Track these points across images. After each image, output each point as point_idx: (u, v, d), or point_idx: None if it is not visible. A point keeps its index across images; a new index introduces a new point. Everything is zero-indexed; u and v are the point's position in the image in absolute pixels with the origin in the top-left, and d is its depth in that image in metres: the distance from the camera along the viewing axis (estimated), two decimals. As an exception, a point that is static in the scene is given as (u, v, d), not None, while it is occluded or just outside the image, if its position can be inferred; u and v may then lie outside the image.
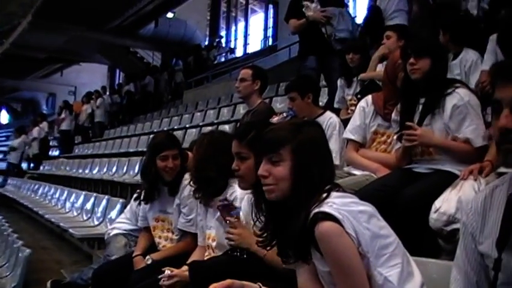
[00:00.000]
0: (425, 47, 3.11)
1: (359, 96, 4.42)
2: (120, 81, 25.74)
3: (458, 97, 2.99)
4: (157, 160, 3.53)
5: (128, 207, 4.31)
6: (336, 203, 1.81)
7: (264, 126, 2.35)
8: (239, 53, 23.66)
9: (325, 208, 1.79)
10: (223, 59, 22.17)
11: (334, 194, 1.89)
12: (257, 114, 4.59)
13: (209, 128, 9.11)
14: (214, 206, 3.04)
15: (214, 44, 22.51)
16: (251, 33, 24.18)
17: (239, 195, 2.97)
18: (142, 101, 18.49)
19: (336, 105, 5.30)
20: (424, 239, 2.82)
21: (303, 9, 5.72)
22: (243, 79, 4.71)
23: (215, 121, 9.86)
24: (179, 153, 3.60)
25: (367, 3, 6.64)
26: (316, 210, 1.80)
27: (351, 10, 15.29)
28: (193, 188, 3.24)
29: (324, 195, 1.86)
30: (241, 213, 2.83)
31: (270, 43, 20.64)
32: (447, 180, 2.87)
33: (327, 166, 1.99)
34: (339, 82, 5.32)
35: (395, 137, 3.27)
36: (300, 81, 4.42)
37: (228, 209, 2.82)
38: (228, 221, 2.79)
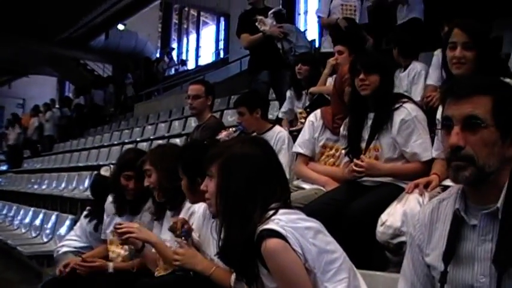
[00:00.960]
0: (375, 63, 3.15)
1: (308, 109, 4.46)
2: (70, 93, 25.32)
3: (405, 112, 3.04)
4: (121, 177, 3.48)
5: (78, 224, 4.22)
6: (282, 220, 1.82)
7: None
8: (191, 65, 23.61)
9: (271, 225, 1.79)
10: (173, 72, 22.04)
11: (281, 211, 1.89)
12: (207, 129, 4.58)
13: (160, 142, 9.06)
14: (168, 218, 3.04)
15: (165, 56, 22.37)
16: (203, 45, 24.17)
17: (197, 208, 2.95)
18: (91, 114, 18.21)
19: (280, 115, 5.34)
20: (372, 252, 2.86)
21: (256, 24, 5.76)
22: (197, 96, 4.72)
23: (166, 134, 9.80)
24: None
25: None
26: (262, 227, 1.80)
27: (301, 25, 15.49)
28: (152, 208, 3.23)
29: (271, 212, 1.86)
30: (195, 227, 2.81)
31: (222, 56, 20.63)
32: (394, 193, 2.91)
33: (269, 184, 1.97)
34: (288, 93, 5.37)
35: (343, 151, 3.31)
36: (249, 96, 4.44)
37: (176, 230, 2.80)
38: (176, 241, 2.77)
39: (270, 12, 5.79)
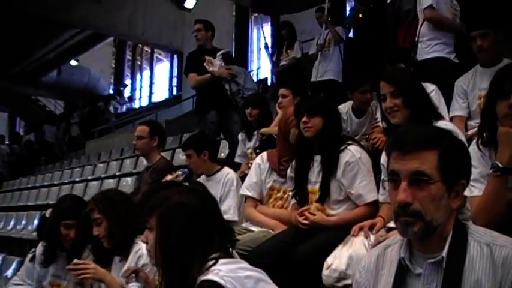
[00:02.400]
0: (317, 106, 3.20)
1: (258, 150, 4.48)
2: (21, 129, 24.83)
3: (350, 154, 3.10)
4: (61, 226, 3.38)
5: (24, 266, 4.09)
6: (221, 270, 1.80)
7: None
8: (144, 102, 23.48)
9: (210, 276, 1.77)
10: (124, 109, 21.85)
11: (221, 261, 1.88)
12: (156, 172, 4.55)
13: (111, 181, 8.93)
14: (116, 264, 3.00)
15: (114, 94, 22.14)
16: (156, 82, 24.09)
17: (145, 251, 2.90)
18: (41, 151, 17.86)
19: (236, 160, 5.33)
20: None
21: (204, 64, 5.79)
22: (141, 136, 4.68)
23: (117, 173, 9.65)
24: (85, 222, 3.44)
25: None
26: (202, 278, 1.79)
27: (254, 63, 15.66)
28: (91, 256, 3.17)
29: (210, 262, 1.85)
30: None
31: (175, 93, 20.58)
32: (340, 236, 2.93)
33: (207, 234, 1.94)
34: (240, 136, 5.37)
35: (290, 193, 3.33)
36: (196, 138, 4.44)
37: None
38: None
39: (218, 54, 5.83)
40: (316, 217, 3.05)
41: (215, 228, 2.00)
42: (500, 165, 2.15)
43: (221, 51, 5.91)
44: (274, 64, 8.15)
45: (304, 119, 3.15)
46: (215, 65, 5.77)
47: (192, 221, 1.92)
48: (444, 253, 1.61)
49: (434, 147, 1.61)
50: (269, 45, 8.19)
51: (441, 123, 2.83)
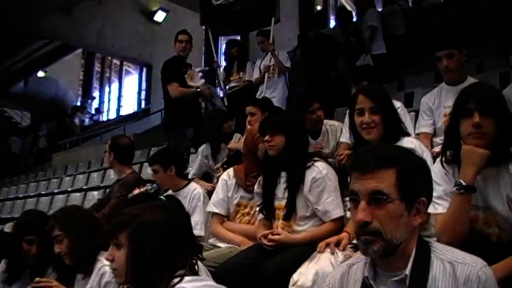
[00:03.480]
0: (280, 125, 3.21)
1: (225, 166, 4.47)
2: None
3: (316, 170, 3.11)
4: (23, 242, 3.31)
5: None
6: None
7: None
8: (112, 115, 23.24)
9: None
10: (87, 122, 21.58)
11: (186, 278, 1.86)
12: (125, 186, 4.50)
13: (77, 195, 8.82)
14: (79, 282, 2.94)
15: (79, 107, 21.86)
16: (125, 94, 23.89)
17: (108, 267, 2.86)
18: (6, 164, 17.53)
19: (191, 176, 5.28)
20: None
21: (186, 76, 5.81)
22: (105, 150, 4.70)
23: (84, 187, 9.53)
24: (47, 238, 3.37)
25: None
26: None
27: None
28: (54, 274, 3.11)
29: (176, 280, 1.83)
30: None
31: (143, 106, 20.43)
32: (307, 252, 2.93)
33: (178, 251, 1.93)
34: (203, 152, 5.34)
35: (257, 209, 3.33)
36: (163, 153, 4.42)
37: None
38: None
39: (198, 70, 5.87)
40: (281, 237, 3.05)
41: (183, 244, 1.99)
42: (464, 183, 2.19)
43: (201, 69, 5.95)
44: (222, 84, 7.78)
45: (267, 137, 3.17)
46: (196, 80, 5.80)
47: (163, 238, 1.91)
48: (407, 271, 1.63)
49: (391, 166, 1.63)
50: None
51: (407, 140, 2.88)
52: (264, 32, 7.17)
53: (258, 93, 6.81)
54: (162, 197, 3.10)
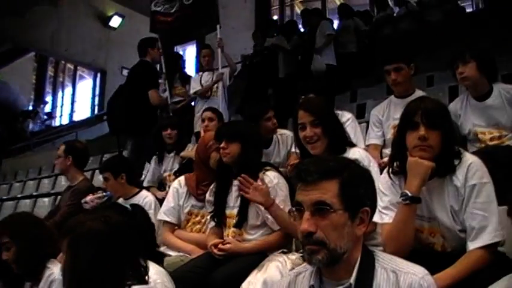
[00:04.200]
0: (235, 132, 3.22)
1: (177, 174, 4.45)
2: None
3: (268, 179, 3.12)
4: None
5: None
6: None
7: None
8: (65, 120, 22.79)
9: None
10: (38, 127, 21.09)
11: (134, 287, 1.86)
12: (76, 193, 4.44)
13: (27, 201, 8.61)
14: None
15: (32, 112, 21.34)
16: (78, 100, 23.48)
17: (57, 275, 2.80)
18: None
19: (145, 184, 5.24)
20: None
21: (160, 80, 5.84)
22: (58, 155, 4.62)
23: (34, 193, 9.32)
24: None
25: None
26: None
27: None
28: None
29: None
30: None
31: (97, 112, 20.09)
32: (256, 261, 2.94)
33: (119, 263, 1.91)
34: (153, 161, 5.31)
35: (209, 217, 3.33)
36: (113, 161, 4.38)
37: None
38: None
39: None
40: (230, 246, 3.05)
41: (128, 256, 1.97)
42: (409, 194, 2.24)
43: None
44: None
45: (222, 144, 3.18)
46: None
47: (101, 248, 1.88)
48: (352, 280, 1.66)
49: (334, 177, 1.67)
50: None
51: (354, 150, 2.93)
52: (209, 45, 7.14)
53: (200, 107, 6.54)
54: (127, 205, 3.07)
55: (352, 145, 3.05)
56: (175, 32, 6.96)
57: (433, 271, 2.13)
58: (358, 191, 1.69)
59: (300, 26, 9.69)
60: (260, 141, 3.41)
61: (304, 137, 2.93)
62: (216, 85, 6.65)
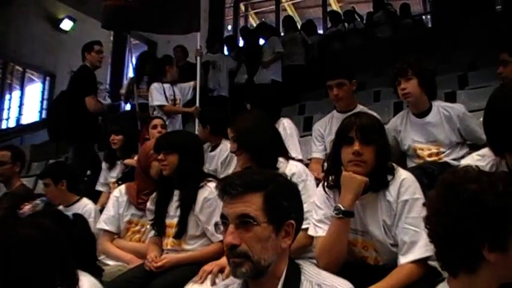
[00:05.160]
0: (173, 144, 3.21)
1: (120, 182, 4.41)
2: None
3: (209, 190, 3.12)
4: None
5: None
6: None
7: None
8: (11, 123, 22.19)
9: None
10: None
11: None
12: (13, 198, 4.35)
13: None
14: None
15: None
16: (26, 103, 22.91)
17: None
18: None
19: (98, 187, 5.23)
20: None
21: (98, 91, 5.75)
22: (3, 162, 4.51)
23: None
24: None
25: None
26: None
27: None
28: None
29: None
30: None
31: (44, 116, 19.66)
32: (192, 272, 2.92)
33: (49, 271, 1.87)
34: (104, 165, 5.29)
35: (149, 226, 3.31)
36: (54, 167, 4.31)
37: None
38: None
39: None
40: (166, 260, 3.03)
41: (59, 264, 1.93)
42: (342, 208, 2.27)
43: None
44: (127, 97, 7.47)
45: (160, 156, 3.17)
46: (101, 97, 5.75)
47: (29, 255, 1.84)
48: None
49: (259, 190, 1.68)
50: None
51: (292, 164, 2.97)
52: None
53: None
54: (68, 213, 3.02)
55: (286, 158, 3.05)
56: (140, 16, 6.57)
57: (365, 284, 2.19)
58: (283, 204, 1.70)
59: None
60: (198, 150, 3.38)
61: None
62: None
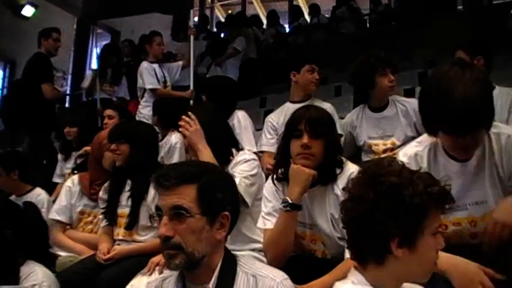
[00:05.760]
0: (123, 133, 3.19)
1: (75, 172, 4.34)
2: None
3: None
4: None
5: None
6: None
7: None
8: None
9: None
10: None
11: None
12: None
13: None
14: None
15: None
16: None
17: None
18: None
19: (55, 179, 5.16)
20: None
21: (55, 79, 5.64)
22: None
23: None
24: None
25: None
26: None
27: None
28: None
29: None
30: None
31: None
32: (142, 264, 2.88)
33: None
34: (59, 156, 5.22)
35: (101, 216, 3.28)
36: (6, 156, 4.22)
37: None
38: None
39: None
40: (114, 253, 3.01)
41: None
42: (290, 201, 2.29)
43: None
44: (89, 91, 7.15)
45: (113, 146, 3.15)
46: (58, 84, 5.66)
47: None
48: (211, 284, 1.69)
49: (192, 182, 1.68)
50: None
51: (241, 153, 2.94)
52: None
53: None
54: (19, 203, 2.97)
55: (239, 150, 3.03)
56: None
57: (313, 277, 2.20)
58: (217, 196, 1.71)
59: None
60: (152, 141, 3.34)
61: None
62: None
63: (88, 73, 6.86)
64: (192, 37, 6.33)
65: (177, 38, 7.71)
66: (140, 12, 7.40)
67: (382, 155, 3.68)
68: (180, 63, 6.40)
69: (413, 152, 2.21)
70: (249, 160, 2.82)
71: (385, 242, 1.44)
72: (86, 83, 7.15)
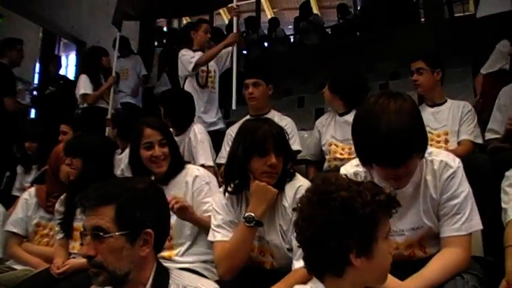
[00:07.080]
0: (77, 148, 3.18)
1: (35, 185, 4.32)
2: None
3: None
4: None
5: None
6: None
7: None
8: None
9: None
10: None
11: None
12: None
13: None
14: None
15: None
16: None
17: None
18: None
19: (14, 192, 5.11)
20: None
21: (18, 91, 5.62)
22: None
23: None
24: None
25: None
26: None
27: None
28: None
29: None
30: None
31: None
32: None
33: None
34: (18, 169, 5.19)
35: (57, 228, 3.27)
36: None
37: None
38: None
39: None
40: (67, 267, 2.99)
41: None
42: (254, 218, 2.33)
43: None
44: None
45: (67, 161, 3.16)
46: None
47: None
48: None
49: (111, 202, 1.72)
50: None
51: (193, 168, 2.97)
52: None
53: None
54: None
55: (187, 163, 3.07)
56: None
57: (262, 288, 2.23)
58: (135, 215, 1.74)
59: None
60: (105, 155, 3.30)
61: (151, 156, 2.85)
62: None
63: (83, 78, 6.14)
64: (235, 18, 5.82)
65: (122, 54, 7.35)
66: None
67: (338, 156, 3.85)
68: (229, 49, 5.59)
69: (353, 171, 2.24)
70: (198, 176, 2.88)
71: (343, 255, 1.51)
72: (87, 90, 6.04)
